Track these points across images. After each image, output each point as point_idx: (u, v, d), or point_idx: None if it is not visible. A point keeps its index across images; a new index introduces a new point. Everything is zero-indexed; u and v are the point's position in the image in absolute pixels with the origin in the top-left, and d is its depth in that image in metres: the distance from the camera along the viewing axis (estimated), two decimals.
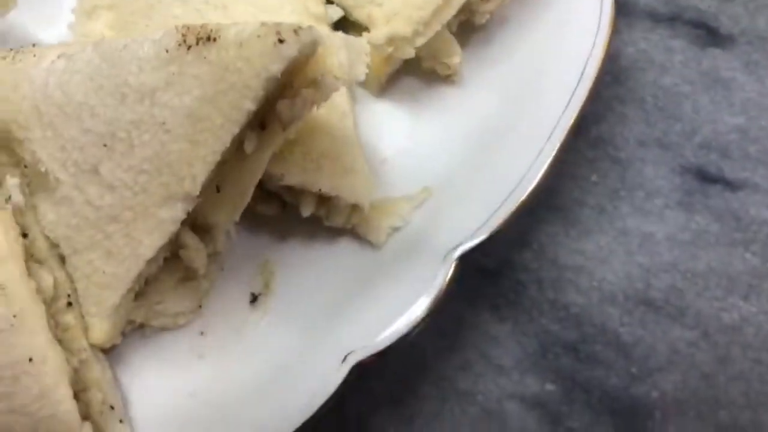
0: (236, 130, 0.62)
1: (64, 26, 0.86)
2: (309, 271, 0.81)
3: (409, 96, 0.89)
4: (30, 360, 0.65)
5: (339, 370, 0.68)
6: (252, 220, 0.82)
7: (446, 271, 0.72)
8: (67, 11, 0.87)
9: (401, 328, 0.70)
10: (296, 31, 0.60)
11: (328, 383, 0.68)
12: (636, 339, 0.80)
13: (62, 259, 0.75)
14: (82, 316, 0.74)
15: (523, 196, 0.75)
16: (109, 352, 0.77)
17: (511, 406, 0.78)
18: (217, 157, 0.64)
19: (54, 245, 0.75)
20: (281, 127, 0.66)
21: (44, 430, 0.65)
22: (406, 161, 0.85)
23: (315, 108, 0.68)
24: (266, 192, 0.82)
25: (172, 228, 0.68)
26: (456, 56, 0.85)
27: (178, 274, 0.79)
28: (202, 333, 0.79)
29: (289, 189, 0.79)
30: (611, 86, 0.92)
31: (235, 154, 0.69)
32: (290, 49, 0.59)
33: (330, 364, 0.69)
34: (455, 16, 0.85)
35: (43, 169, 0.72)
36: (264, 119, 0.67)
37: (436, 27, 0.81)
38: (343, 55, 0.65)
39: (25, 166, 0.75)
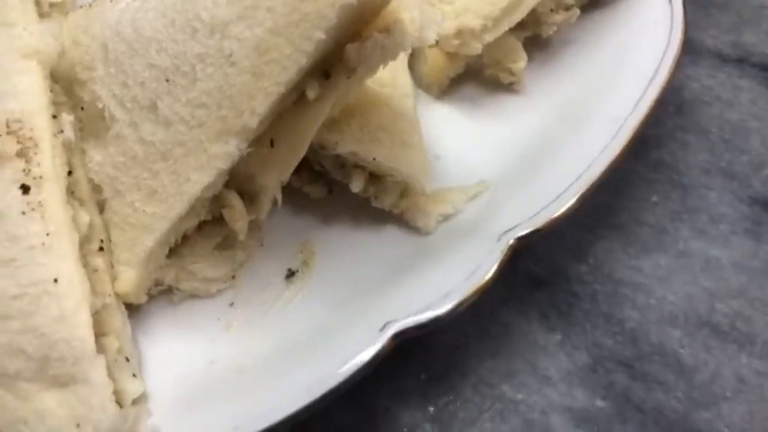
0: (304, 61, 0.61)
1: None
2: (351, 253, 0.77)
3: (468, 101, 0.88)
4: (55, 281, 0.62)
5: (377, 338, 0.63)
6: (296, 202, 0.79)
7: (500, 252, 0.68)
8: None
9: (448, 303, 0.65)
10: None
11: (364, 352, 0.63)
12: (698, 363, 0.73)
13: (100, 208, 0.73)
14: (112, 266, 0.72)
15: (579, 193, 0.72)
16: (134, 312, 0.73)
17: (557, 419, 0.71)
18: (281, 89, 0.62)
19: (96, 189, 0.73)
20: (346, 75, 0.65)
21: (57, 354, 0.60)
22: (460, 159, 0.83)
23: (381, 66, 0.67)
24: (314, 174, 0.80)
25: (222, 165, 0.65)
26: (521, 61, 0.84)
27: (215, 240, 0.76)
28: (232, 304, 0.75)
29: (341, 165, 0.77)
30: (675, 116, 0.90)
31: (294, 107, 0.68)
32: None
33: (367, 334, 0.64)
34: (522, 30, 0.86)
35: (100, 106, 0.71)
36: (329, 69, 0.66)
37: (505, 26, 0.82)
38: (417, 14, 0.64)
39: (82, 108, 0.74)
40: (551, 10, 0.85)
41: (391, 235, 0.78)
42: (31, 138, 0.67)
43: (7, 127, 0.67)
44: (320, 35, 0.60)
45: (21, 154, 0.66)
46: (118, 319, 0.69)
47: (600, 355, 0.74)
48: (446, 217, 0.77)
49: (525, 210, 0.72)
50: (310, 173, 0.80)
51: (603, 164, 0.74)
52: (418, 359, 0.75)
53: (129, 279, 0.70)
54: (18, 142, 0.66)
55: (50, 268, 0.62)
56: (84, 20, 0.74)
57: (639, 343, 0.74)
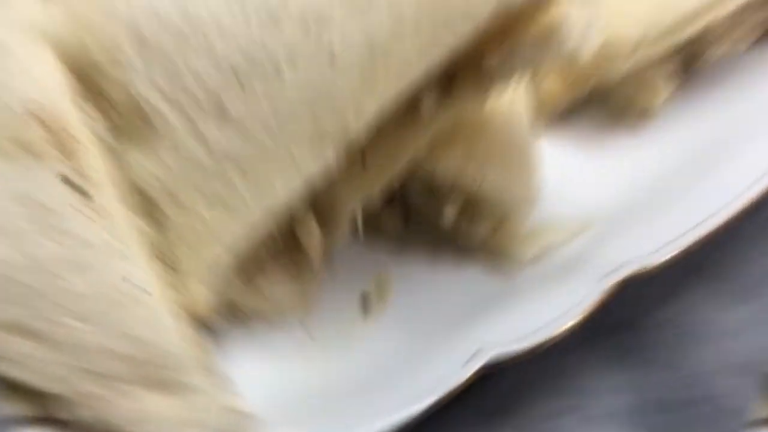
0: (424, 65, 0.53)
1: None
2: (430, 288, 0.71)
3: (579, 132, 0.79)
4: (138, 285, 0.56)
5: (467, 365, 0.58)
6: (371, 235, 0.72)
7: (599, 293, 0.60)
8: None
9: (540, 336, 0.59)
10: None
11: (451, 379, 0.57)
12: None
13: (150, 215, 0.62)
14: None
15: (686, 246, 0.63)
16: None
17: None
18: (393, 95, 0.54)
19: (141, 194, 0.61)
20: (473, 88, 0.57)
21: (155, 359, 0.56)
22: (565, 192, 0.74)
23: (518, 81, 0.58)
24: (392, 205, 0.72)
25: (312, 172, 0.57)
26: (660, 95, 0.74)
27: (288, 265, 0.69)
28: (305, 329, 0.70)
29: (429, 191, 0.71)
30: None
31: (396, 121, 0.61)
32: None
33: (453, 362, 0.59)
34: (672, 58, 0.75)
35: (146, 108, 0.58)
36: (448, 80, 0.58)
37: (668, 42, 0.70)
38: (581, 20, 0.53)
39: (112, 108, 0.60)
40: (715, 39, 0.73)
41: (474, 271, 0.71)
42: (72, 136, 0.56)
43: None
44: (462, 31, 0.52)
45: (65, 153, 0.56)
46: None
47: (660, 397, 0.69)
48: (541, 254, 0.70)
49: (624, 254, 0.64)
50: (387, 204, 0.71)
51: (719, 221, 0.64)
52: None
53: (196, 289, 0.63)
54: (58, 143, 0.56)
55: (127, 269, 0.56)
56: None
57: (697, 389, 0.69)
